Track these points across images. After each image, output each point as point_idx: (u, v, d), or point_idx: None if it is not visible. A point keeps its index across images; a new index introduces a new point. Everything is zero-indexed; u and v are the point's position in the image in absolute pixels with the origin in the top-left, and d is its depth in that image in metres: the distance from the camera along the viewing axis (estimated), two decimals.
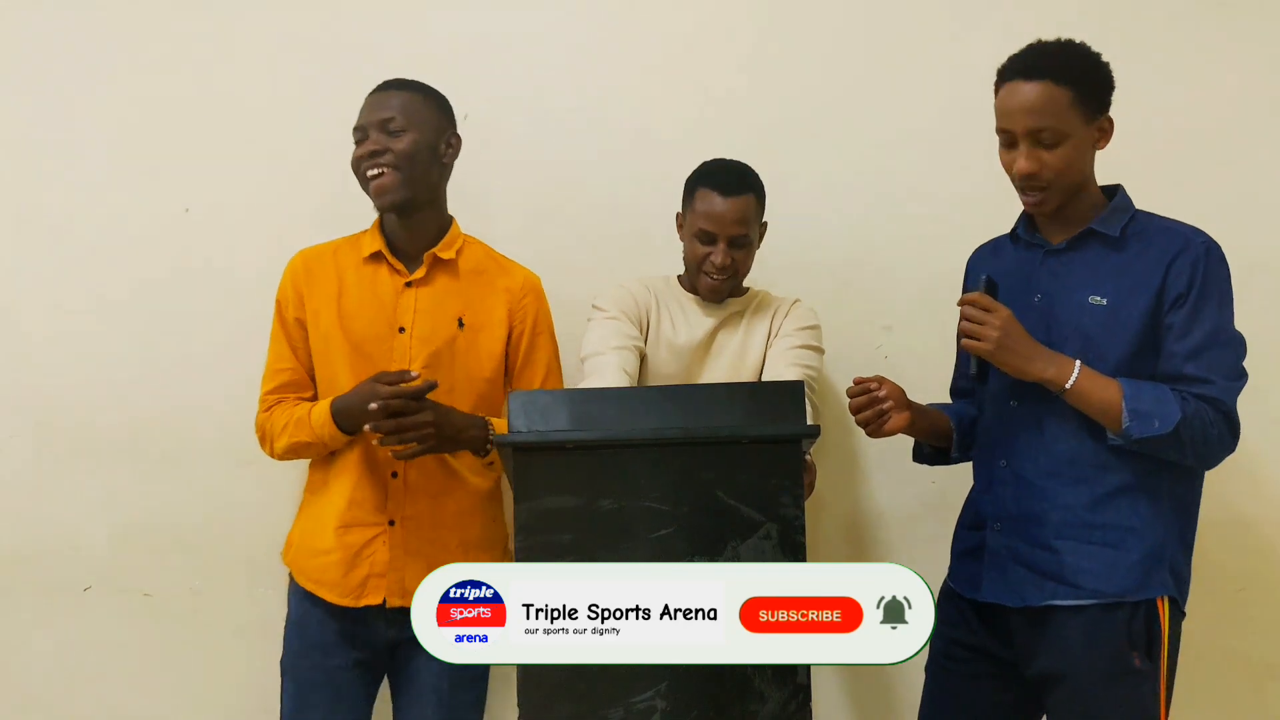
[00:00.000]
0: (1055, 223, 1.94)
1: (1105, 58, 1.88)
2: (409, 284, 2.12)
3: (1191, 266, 1.82)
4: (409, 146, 2.05)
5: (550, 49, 2.56)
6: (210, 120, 2.51)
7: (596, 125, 2.55)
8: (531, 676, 1.65)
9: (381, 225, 2.16)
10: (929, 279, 2.41)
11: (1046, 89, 1.80)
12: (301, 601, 2.11)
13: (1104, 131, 1.87)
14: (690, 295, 2.28)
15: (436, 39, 2.54)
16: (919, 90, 2.52)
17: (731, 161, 2.22)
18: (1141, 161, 2.40)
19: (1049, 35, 1.90)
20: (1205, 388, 1.81)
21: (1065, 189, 1.86)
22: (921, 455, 2.17)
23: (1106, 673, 1.82)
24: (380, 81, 2.14)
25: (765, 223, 2.23)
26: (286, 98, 2.52)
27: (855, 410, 1.95)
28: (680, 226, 2.26)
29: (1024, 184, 1.86)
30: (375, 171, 2.04)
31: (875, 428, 1.94)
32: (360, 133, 2.08)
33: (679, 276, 2.33)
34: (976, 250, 2.13)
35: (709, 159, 2.23)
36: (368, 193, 2.08)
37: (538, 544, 1.65)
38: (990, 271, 2.00)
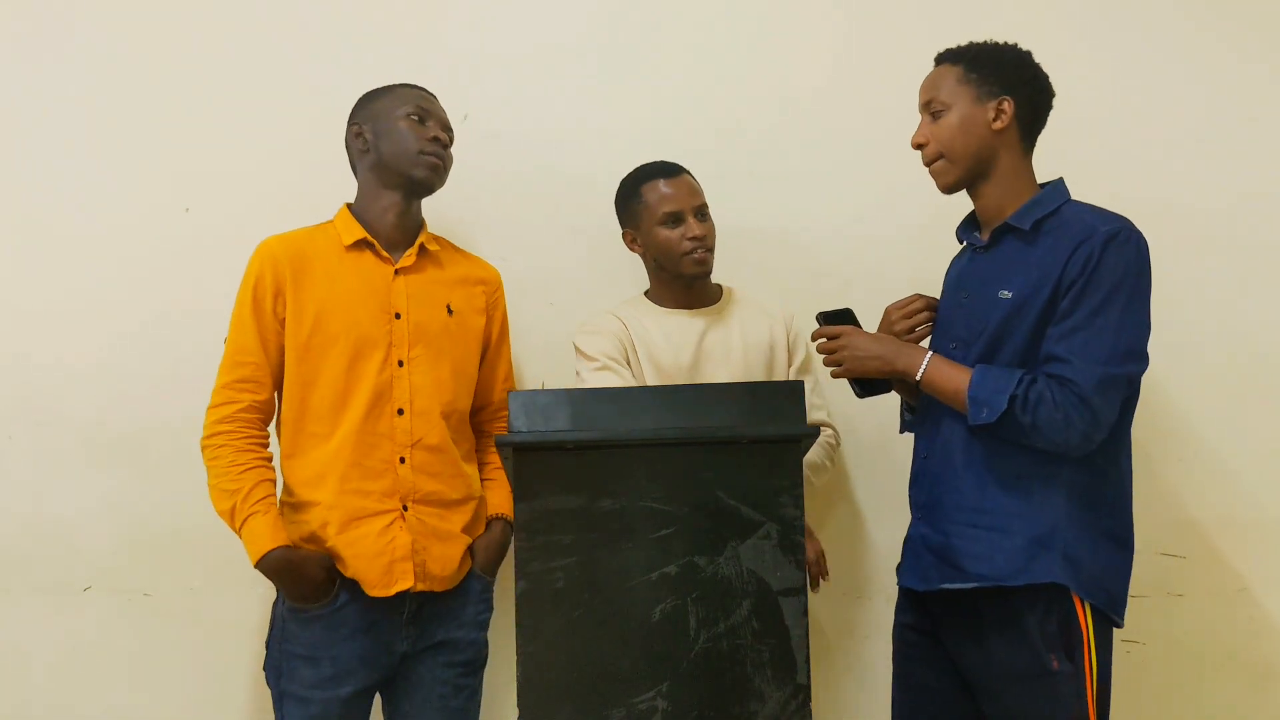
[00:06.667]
0: (985, 220, 1.98)
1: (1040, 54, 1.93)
2: (398, 271, 2.12)
3: (1086, 256, 1.79)
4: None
5: (550, 51, 2.57)
6: (211, 120, 2.51)
7: (596, 128, 2.55)
8: (532, 677, 1.65)
9: (358, 214, 2.14)
10: (926, 279, 2.41)
11: (940, 69, 1.97)
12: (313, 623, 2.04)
13: (1002, 112, 1.90)
14: (665, 309, 2.29)
15: (437, 40, 2.54)
16: (916, 91, 2.52)
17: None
18: (1149, 155, 2.42)
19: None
20: (1060, 367, 1.78)
21: (958, 160, 1.92)
22: (906, 425, 2.18)
23: (1023, 674, 1.81)
24: (384, 77, 2.20)
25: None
26: (289, 98, 2.51)
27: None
28: (634, 242, 2.30)
29: (923, 159, 1.96)
30: (439, 158, 2.13)
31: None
32: (422, 114, 2.12)
33: (645, 293, 2.34)
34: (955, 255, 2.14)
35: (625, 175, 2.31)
36: (416, 170, 2.10)
37: (538, 544, 1.65)
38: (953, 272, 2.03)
